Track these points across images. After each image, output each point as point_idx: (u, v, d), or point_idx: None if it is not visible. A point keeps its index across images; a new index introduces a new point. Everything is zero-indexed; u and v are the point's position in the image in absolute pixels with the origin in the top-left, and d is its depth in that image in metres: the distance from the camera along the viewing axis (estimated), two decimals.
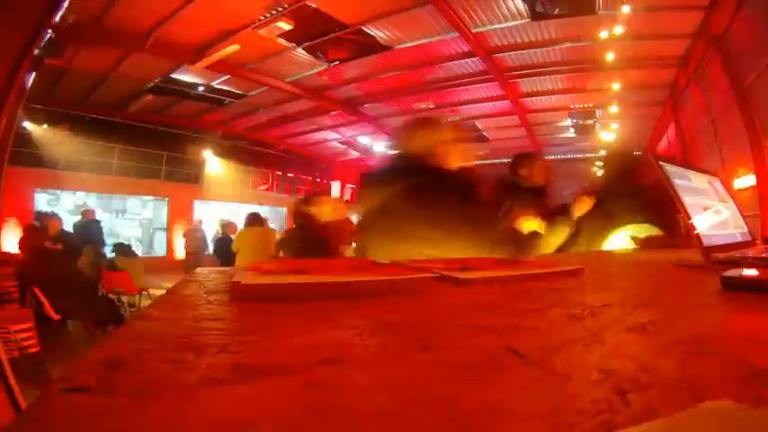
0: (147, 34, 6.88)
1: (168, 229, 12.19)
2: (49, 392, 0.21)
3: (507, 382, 0.24)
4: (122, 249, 6.13)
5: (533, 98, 9.83)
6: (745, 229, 1.18)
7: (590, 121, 11.32)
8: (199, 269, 0.79)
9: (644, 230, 1.85)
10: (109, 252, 6.66)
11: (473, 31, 6.98)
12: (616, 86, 8.27)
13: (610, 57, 7.17)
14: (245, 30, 6.94)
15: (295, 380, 0.24)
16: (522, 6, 6.40)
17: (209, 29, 6.98)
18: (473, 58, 7.98)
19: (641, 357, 0.28)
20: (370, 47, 7.67)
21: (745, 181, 5.64)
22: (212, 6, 6.29)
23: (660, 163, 0.86)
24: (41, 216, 5.63)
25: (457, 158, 1.31)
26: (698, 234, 0.83)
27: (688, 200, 0.87)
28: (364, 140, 13.69)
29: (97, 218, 7.59)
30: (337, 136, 13.31)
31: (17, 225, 6.84)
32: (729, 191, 1.21)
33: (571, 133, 12.28)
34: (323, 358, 0.27)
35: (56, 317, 3.34)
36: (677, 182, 0.87)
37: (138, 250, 13.44)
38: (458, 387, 0.23)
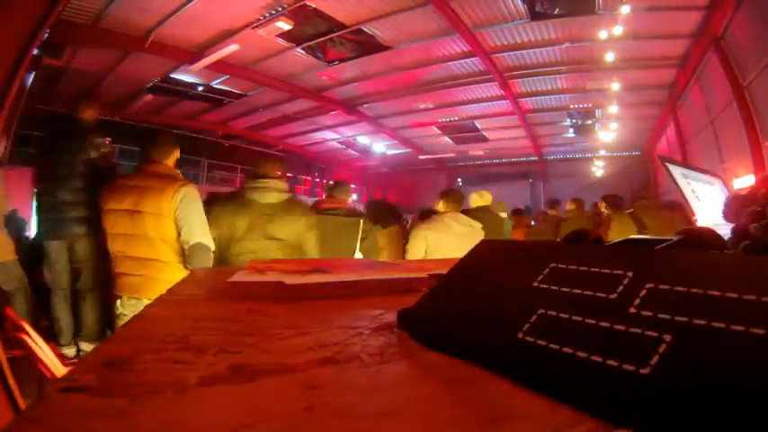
0: (147, 34, 6.87)
1: None
2: (48, 392, 0.21)
3: None
4: None
5: (533, 98, 9.84)
6: None
7: (589, 122, 11.33)
8: (198, 269, 0.78)
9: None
10: None
11: (472, 30, 6.98)
12: (616, 86, 8.27)
13: (609, 57, 7.17)
14: (245, 30, 6.93)
15: (295, 379, 0.24)
16: (521, 6, 6.40)
17: (208, 29, 6.97)
18: (472, 58, 7.98)
19: None
20: (370, 47, 7.68)
21: (745, 181, 5.65)
22: (211, 6, 6.28)
23: (666, 163, 0.86)
24: None
25: None
26: None
27: (690, 199, 0.87)
28: (363, 140, 13.69)
29: None
30: (337, 136, 13.31)
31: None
32: (729, 191, 1.21)
33: (570, 133, 12.29)
34: (323, 358, 0.27)
35: None
36: (681, 181, 0.87)
37: None
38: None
